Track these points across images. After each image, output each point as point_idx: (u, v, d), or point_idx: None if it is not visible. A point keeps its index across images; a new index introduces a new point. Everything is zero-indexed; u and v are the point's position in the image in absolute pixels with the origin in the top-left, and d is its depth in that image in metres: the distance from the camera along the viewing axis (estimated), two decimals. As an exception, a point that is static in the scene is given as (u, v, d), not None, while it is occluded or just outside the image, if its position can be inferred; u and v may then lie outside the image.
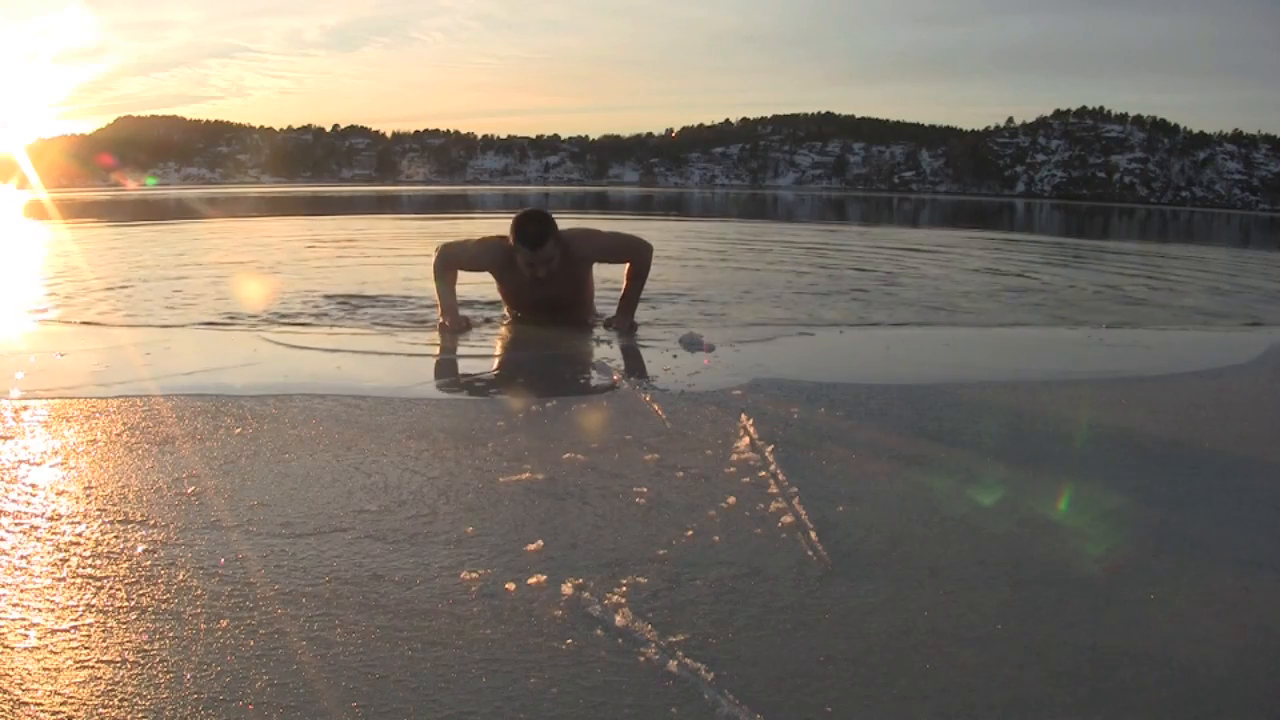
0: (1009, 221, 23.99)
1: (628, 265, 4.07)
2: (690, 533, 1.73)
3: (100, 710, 1.14)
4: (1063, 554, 1.69)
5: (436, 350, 3.64)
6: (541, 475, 2.04)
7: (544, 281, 3.78)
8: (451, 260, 3.95)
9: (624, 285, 4.08)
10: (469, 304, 4.46)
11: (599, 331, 3.98)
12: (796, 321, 4.62)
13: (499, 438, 2.34)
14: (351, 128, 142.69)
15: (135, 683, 1.20)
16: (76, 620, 1.36)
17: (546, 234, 3.68)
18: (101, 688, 1.19)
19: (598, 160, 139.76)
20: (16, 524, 1.72)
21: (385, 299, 4.98)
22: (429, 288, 4.22)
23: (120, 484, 1.95)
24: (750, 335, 4.05)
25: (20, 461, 2.09)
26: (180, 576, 1.51)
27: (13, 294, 5.44)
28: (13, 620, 1.36)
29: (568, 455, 2.18)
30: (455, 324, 3.89)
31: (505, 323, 4.20)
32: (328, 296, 5.01)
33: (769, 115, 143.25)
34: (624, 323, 4.02)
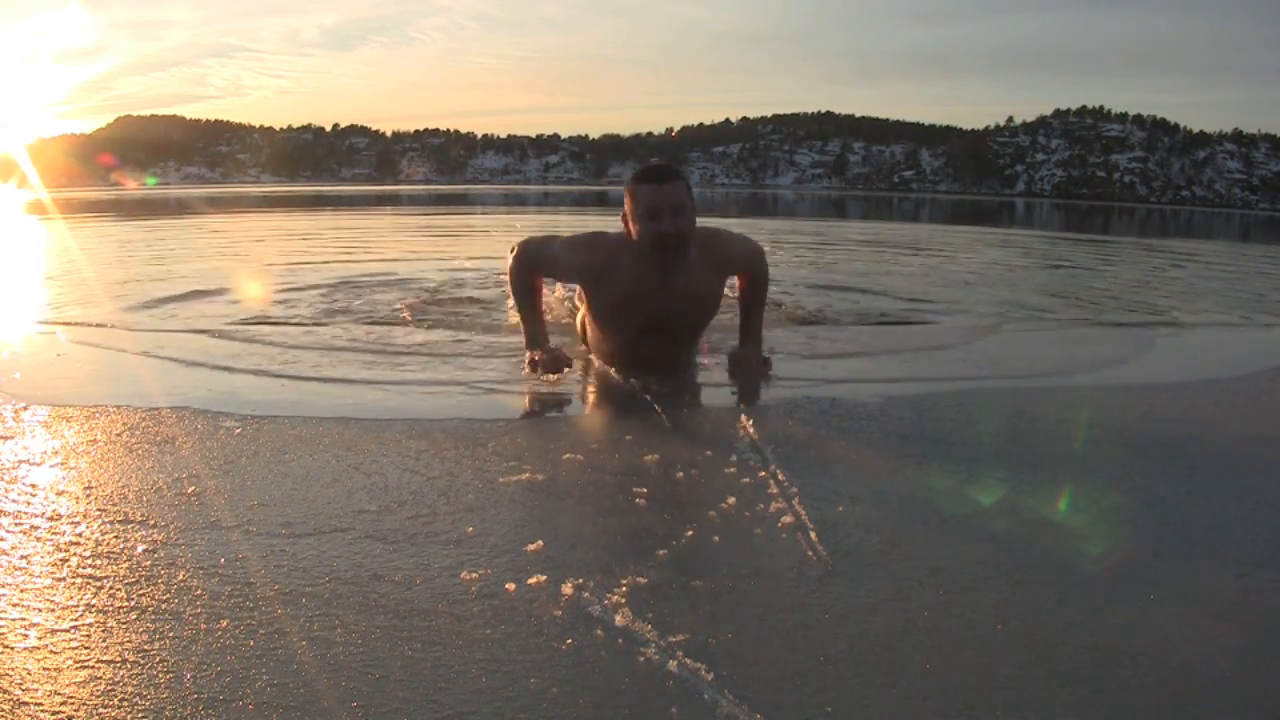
0: (1067, 222, 23.94)
1: (743, 280, 3.11)
2: (690, 533, 1.73)
3: (100, 710, 1.14)
4: (1063, 554, 1.69)
5: (523, 389, 2.86)
6: (541, 475, 2.04)
7: (675, 262, 2.74)
8: (534, 264, 2.96)
9: (743, 306, 3.14)
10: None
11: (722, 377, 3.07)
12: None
13: (499, 438, 2.33)
14: (351, 127, 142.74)
15: (135, 683, 1.20)
16: (76, 620, 1.36)
17: (676, 173, 2.83)
18: (101, 688, 1.19)
19: (598, 159, 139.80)
20: (16, 524, 1.72)
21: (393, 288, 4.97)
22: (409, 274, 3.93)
23: (120, 484, 1.95)
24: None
25: (20, 462, 2.09)
26: (180, 576, 1.51)
27: (12, 293, 5.43)
28: (13, 620, 1.36)
29: (568, 455, 2.18)
30: (549, 360, 2.85)
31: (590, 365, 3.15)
32: (336, 289, 5.00)
33: (769, 114, 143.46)
34: (756, 358, 3.06)
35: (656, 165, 2.86)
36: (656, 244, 2.72)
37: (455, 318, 4.22)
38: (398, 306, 4.55)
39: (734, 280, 3.18)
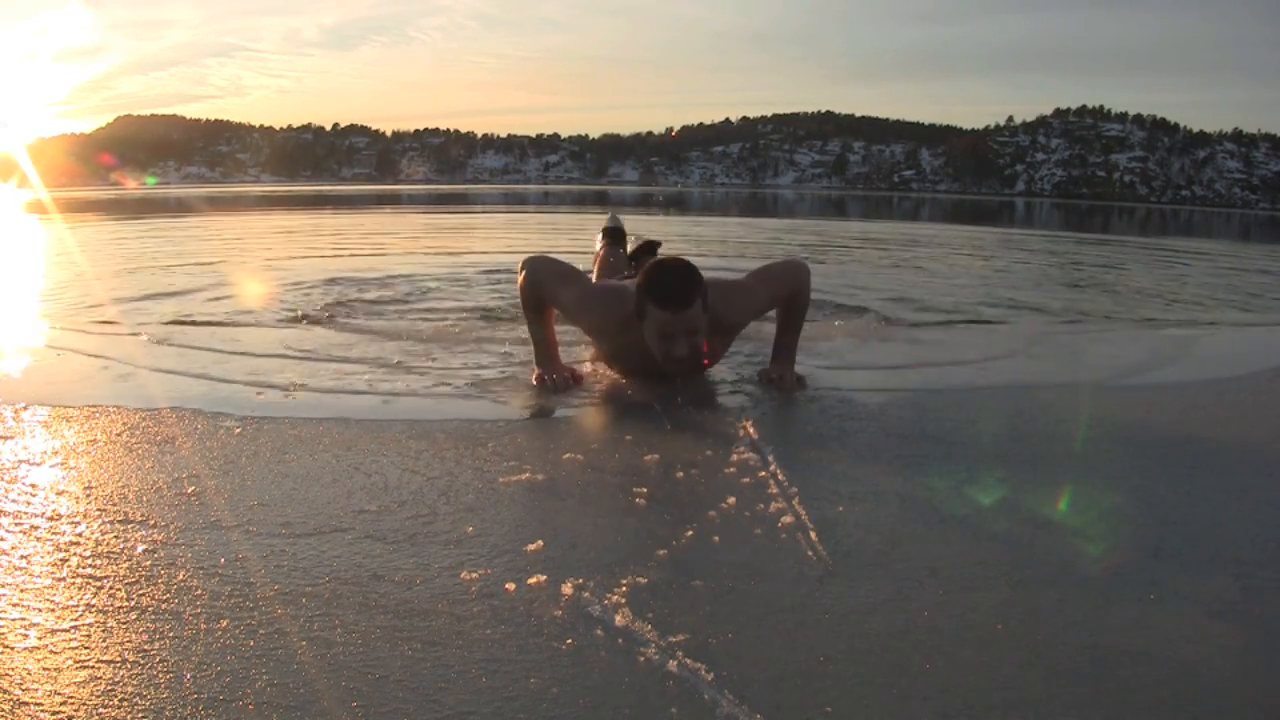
0: (1081, 223, 23.90)
1: (782, 299, 3.06)
2: (690, 533, 1.73)
3: (100, 710, 1.14)
4: (1063, 554, 1.69)
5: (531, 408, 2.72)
6: (541, 475, 2.04)
7: (680, 359, 2.71)
8: (544, 296, 2.95)
9: (780, 323, 3.07)
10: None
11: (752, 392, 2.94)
12: None
13: (499, 438, 2.34)
14: (351, 126, 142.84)
15: (135, 683, 1.20)
16: (76, 620, 1.36)
17: (694, 290, 2.63)
18: (101, 688, 1.19)
19: (598, 159, 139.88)
20: (16, 524, 1.72)
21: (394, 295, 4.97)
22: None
23: (120, 484, 1.95)
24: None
25: (20, 461, 2.09)
26: (180, 576, 1.51)
27: (13, 293, 5.43)
28: (13, 620, 1.36)
29: (568, 455, 2.18)
30: (559, 379, 2.89)
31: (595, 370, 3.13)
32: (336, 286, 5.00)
33: (769, 114, 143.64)
34: (789, 375, 2.98)
35: (673, 283, 2.65)
36: (668, 363, 2.74)
37: (454, 318, 4.22)
38: (392, 305, 4.55)
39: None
